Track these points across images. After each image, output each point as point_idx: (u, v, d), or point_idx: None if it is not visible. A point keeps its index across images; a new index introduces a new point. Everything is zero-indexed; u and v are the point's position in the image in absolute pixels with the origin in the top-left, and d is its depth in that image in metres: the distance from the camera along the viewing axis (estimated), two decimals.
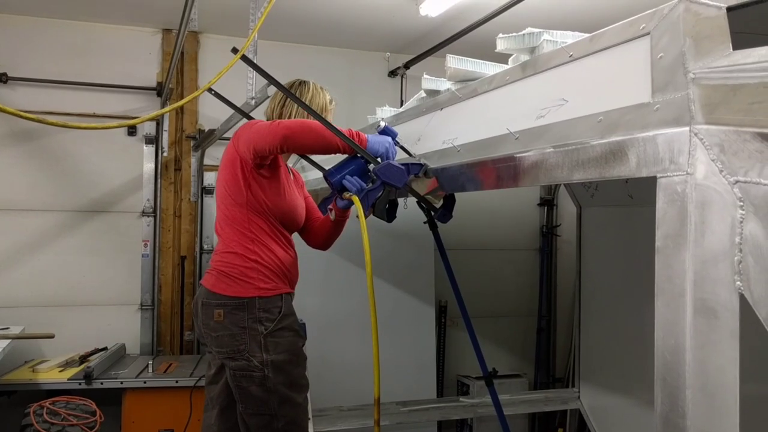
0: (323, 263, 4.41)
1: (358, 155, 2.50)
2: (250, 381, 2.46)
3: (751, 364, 1.22)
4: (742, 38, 1.26)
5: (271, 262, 2.54)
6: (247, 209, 2.53)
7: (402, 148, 2.58)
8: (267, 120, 2.74)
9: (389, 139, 2.52)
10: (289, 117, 2.70)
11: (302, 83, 2.75)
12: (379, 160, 2.48)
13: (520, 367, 5.83)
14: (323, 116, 2.61)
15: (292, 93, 2.57)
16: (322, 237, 2.85)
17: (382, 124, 2.55)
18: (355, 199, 2.45)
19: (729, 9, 1.28)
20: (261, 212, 2.54)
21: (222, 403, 2.63)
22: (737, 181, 1.17)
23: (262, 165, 2.51)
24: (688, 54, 1.30)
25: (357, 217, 2.59)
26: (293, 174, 2.83)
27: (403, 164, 2.43)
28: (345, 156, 2.56)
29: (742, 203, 1.16)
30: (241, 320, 2.47)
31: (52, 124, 2.09)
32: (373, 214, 2.55)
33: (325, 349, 4.30)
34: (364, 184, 2.51)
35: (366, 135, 2.50)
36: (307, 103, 2.64)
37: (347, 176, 2.51)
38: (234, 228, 2.55)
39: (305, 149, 2.53)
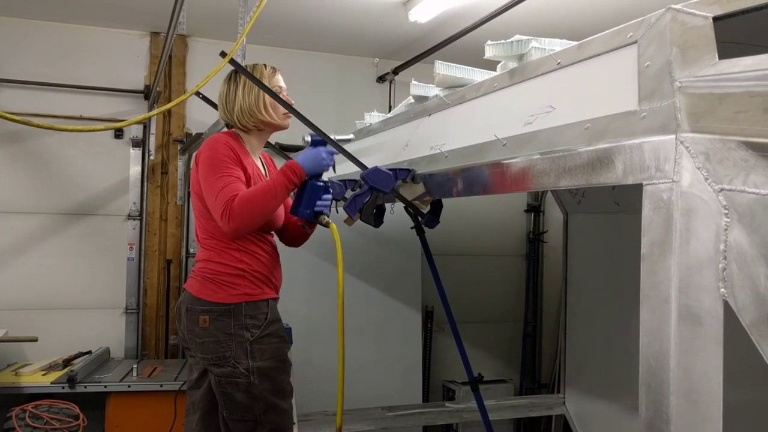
0: (309, 269, 4.41)
1: (307, 178, 2.48)
2: (235, 387, 2.44)
3: (734, 370, 1.23)
4: (728, 48, 1.27)
5: (257, 268, 2.52)
6: None
7: (337, 142, 2.57)
8: (221, 109, 2.68)
9: (321, 149, 2.49)
10: (234, 100, 2.60)
11: (254, 66, 2.64)
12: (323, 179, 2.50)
13: (505, 373, 5.84)
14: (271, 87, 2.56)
15: (283, 100, 2.56)
16: (296, 240, 2.82)
17: (308, 137, 2.52)
18: (333, 227, 2.45)
19: (715, 19, 1.29)
20: None
21: (204, 408, 2.61)
22: (722, 189, 1.18)
23: None
24: (674, 63, 1.32)
25: (344, 221, 2.60)
26: (266, 166, 2.76)
27: (390, 169, 2.44)
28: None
29: (726, 211, 1.17)
30: (227, 327, 2.45)
31: (38, 126, 2.07)
32: (360, 219, 2.55)
33: (310, 354, 4.29)
34: (328, 201, 2.51)
35: (298, 162, 2.45)
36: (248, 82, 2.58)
37: (314, 204, 2.49)
38: (216, 239, 2.52)
39: (261, 222, 2.45)
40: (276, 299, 2.62)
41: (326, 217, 2.52)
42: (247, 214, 2.33)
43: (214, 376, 2.48)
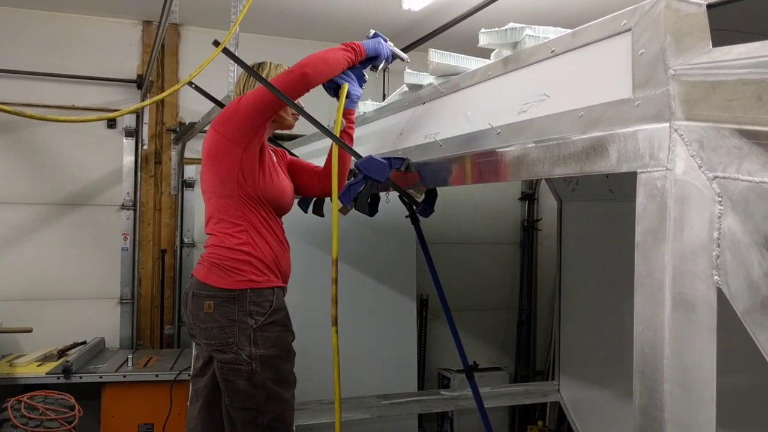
0: (305, 258, 4.40)
1: (356, 65, 2.60)
2: (237, 375, 2.44)
3: (727, 357, 1.23)
4: (721, 35, 1.27)
5: (265, 254, 2.53)
6: (239, 200, 2.50)
7: (394, 50, 2.70)
8: (236, 96, 2.73)
9: (380, 39, 2.64)
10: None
11: (260, 64, 2.72)
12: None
13: (500, 360, 5.86)
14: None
15: (272, 85, 2.55)
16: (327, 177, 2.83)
17: (372, 32, 2.67)
18: (344, 87, 2.55)
19: (709, 6, 1.29)
20: (253, 201, 2.52)
21: (207, 396, 2.61)
22: (716, 177, 1.18)
23: (254, 141, 2.51)
24: (668, 50, 1.31)
25: (339, 210, 2.59)
26: (275, 152, 2.81)
27: (385, 158, 2.43)
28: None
29: (720, 199, 1.17)
30: (231, 312, 2.45)
31: (30, 116, 2.06)
32: (355, 208, 2.55)
33: (305, 343, 4.28)
34: (355, 79, 2.60)
35: (361, 42, 2.60)
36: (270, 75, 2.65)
37: (347, 76, 2.58)
38: (226, 221, 2.52)
39: (321, 81, 2.54)
40: (282, 288, 2.62)
41: (346, 86, 2.58)
42: (312, 65, 2.47)
43: (217, 362, 2.48)
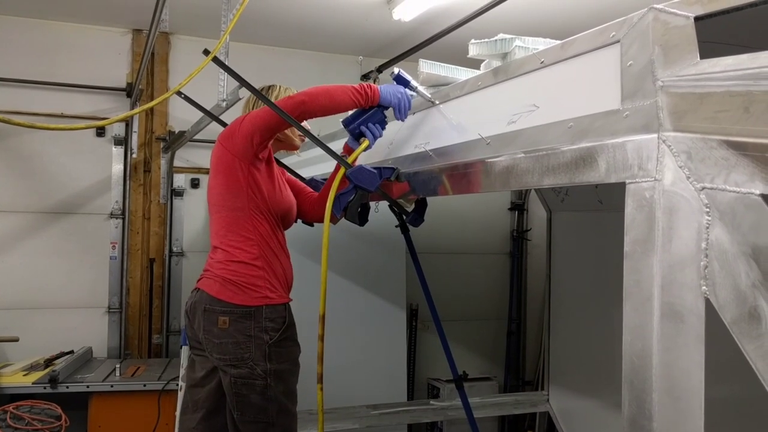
0: (296, 268, 4.39)
1: (366, 108, 2.51)
2: (251, 389, 2.43)
3: (716, 367, 1.24)
4: (709, 47, 1.28)
5: (276, 268, 2.53)
6: (249, 212, 2.49)
7: (419, 92, 2.53)
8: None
9: (402, 88, 2.50)
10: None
11: (270, 87, 2.75)
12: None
13: (490, 370, 5.86)
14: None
15: (263, 95, 2.55)
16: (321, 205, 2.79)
17: (396, 70, 2.52)
18: (365, 143, 2.47)
19: (697, 18, 1.30)
20: (263, 213, 2.52)
21: (209, 408, 2.59)
22: (704, 188, 1.19)
23: (259, 157, 2.50)
24: (656, 62, 1.32)
25: (332, 222, 2.59)
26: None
27: (375, 168, 2.44)
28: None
29: (708, 209, 1.18)
30: (247, 329, 2.43)
31: (18, 124, 2.05)
32: (345, 218, 2.55)
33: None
34: (379, 132, 2.52)
35: (378, 86, 2.49)
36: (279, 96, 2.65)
37: (366, 124, 2.50)
38: (237, 234, 2.50)
39: (320, 112, 2.47)
40: (290, 302, 2.63)
41: (366, 141, 2.49)
42: (313, 93, 2.42)
43: (229, 377, 2.45)
